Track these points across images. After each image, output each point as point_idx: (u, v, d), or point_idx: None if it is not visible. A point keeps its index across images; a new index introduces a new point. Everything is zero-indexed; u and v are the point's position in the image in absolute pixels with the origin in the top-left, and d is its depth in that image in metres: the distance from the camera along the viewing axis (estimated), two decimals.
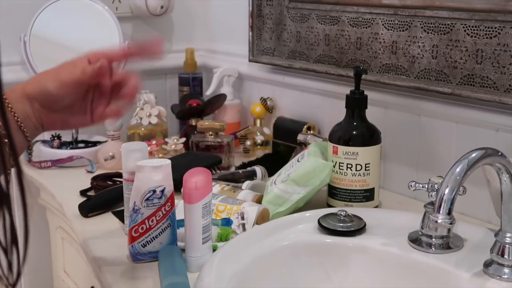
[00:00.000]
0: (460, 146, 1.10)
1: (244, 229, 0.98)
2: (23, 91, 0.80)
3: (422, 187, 0.93)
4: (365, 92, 1.11)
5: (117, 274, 0.90)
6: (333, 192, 1.11)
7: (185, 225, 0.88)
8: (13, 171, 0.55)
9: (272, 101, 1.52)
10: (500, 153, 0.80)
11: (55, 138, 1.48)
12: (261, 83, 1.57)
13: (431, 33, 1.10)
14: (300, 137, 1.29)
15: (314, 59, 1.35)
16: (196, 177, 0.86)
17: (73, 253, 1.29)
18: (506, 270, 0.81)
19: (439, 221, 0.76)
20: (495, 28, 1.00)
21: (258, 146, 1.48)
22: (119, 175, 1.23)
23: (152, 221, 0.90)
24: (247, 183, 1.18)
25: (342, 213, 0.97)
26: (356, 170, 1.08)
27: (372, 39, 1.21)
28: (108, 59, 0.82)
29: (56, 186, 1.31)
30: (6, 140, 0.54)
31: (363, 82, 1.12)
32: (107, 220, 1.11)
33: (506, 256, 0.81)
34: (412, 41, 1.13)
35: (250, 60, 1.54)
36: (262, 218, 1.02)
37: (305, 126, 1.36)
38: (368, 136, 1.10)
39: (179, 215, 0.94)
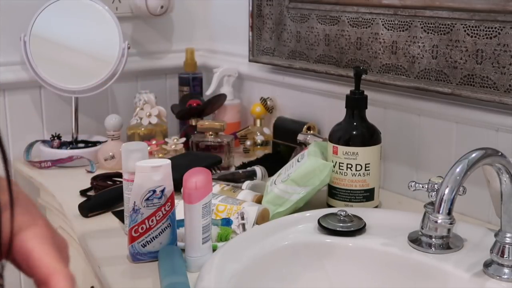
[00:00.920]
0: (460, 146, 1.10)
1: (244, 229, 0.98)
2: None
3: (422, 187, 0.93)
4: (365, 92, 1.11)
5: (117, 274, 0.90)
6: (333, 192, 1.11)
7: (185, 225, 0.88)
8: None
9: (272, 101, 1.52)
10: (500, 153, 0.80)
11: (55, 138, 1.48)
12: (261, 83, 1.57)
13: (431, 33, 1.10)
14: (300, 137, 1.29)
15: (314, 59, 1.35)
16: (196, 177, 0.85)
17: (73, 253, 1.29)
18: (506, 270, 0.81)
19: (439, 221, 0.76)
20: (495, 28, 1.00)
21: (258, 146, 1.48)
22: (119, 175, 1.23)
23: (152, 221, 0.90)
24: (247, 183, 1.18)
25: (342, 213, 0.97)
26: (356, 170, 1.08)
27: (372, 39, 1.21)
28: None
29: (56, 186, 1.31)
30: None
31: (363, 82, 1.12)
32: (107, 220, 1.11)
33: (506, 256, 0.81)
34: (412, 41, 1.13)
35: (250, 60, 1.54)
36: (262, 218, 1.02)
37: (305, 126, 1.36)
38: (368, 136, 1.10)
39: (179, 215, 0.94)
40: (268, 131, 1.49)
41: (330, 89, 1.34)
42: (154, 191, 0.89)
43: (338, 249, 0.94)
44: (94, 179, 1.28)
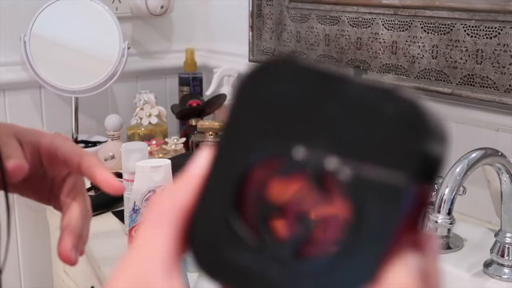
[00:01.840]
0: (460, 146, 1.10)
1: None
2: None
3: None
4: None
5: None
6: None
7: None
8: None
9: None
10: (500, 153, 0.80)
11: None
12: None
13: (431, 33, 1.10)
14: None
15: (314, 59, 1.35)
16: None
17: None
18: (506, 270, 0.81)
19: (439, 221, 0.76)
20: (495, 28, 1.00)
21: None
22: (119, 175, 1.23)
23: None
24: None
25: None
26: None
27: (372, 39, 1.21)
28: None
29: None
30: None
31: None
32: (107, 220, 1.11)
33: (506, 256, 0.81)
34: (412, 41, 1.13)
35: (250, 60, 1.54)
36: None
37: None
38: None
39: None
40: None
41: None
42: (154, 191, 0.89)
43: None
44: None
